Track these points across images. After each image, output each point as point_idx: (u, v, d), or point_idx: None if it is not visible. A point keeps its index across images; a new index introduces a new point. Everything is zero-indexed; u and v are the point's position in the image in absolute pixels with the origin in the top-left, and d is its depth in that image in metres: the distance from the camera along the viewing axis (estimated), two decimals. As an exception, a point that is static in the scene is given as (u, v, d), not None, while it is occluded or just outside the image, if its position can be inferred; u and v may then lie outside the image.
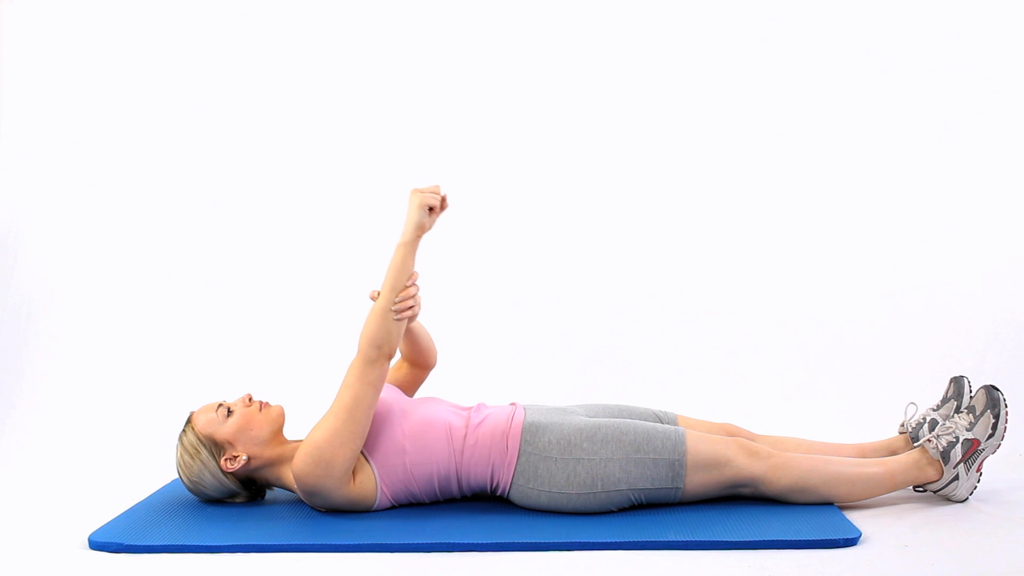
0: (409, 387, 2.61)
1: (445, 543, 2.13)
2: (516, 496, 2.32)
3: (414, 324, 2.50)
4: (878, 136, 3.51)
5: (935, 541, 2.10)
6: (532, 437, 2.31)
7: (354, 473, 2.29)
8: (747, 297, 3.47)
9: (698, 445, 2.29)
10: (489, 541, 2.13)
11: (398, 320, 2.26)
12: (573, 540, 2.12)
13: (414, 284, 2.31)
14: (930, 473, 2.34)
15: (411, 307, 2.29)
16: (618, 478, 2.26)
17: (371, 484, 2.30)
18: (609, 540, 2.11)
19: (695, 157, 3.57)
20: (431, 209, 2.29)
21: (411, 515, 2.30)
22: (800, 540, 2.09)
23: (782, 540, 2.09)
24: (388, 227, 3.58)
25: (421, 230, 2.29)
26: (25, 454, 3.07)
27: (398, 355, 2.60)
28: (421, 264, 3.53)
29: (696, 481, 2.28)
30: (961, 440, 2.33)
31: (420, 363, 2.58)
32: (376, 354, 2.24)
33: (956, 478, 2.33)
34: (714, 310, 3.47)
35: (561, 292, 3.52)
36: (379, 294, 2.28)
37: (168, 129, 3.64)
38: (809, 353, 3.36)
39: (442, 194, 2.31)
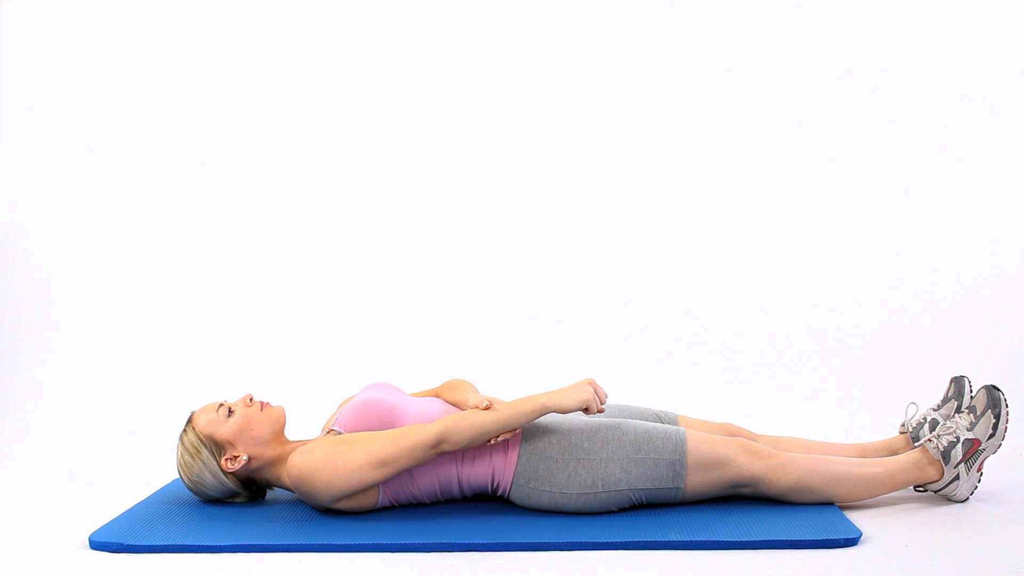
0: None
1: (445, 543, 2.13)
2: (516, 496, 2.32)
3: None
4: (879, 136, 3.51)
5: (935, 541, 2.10)
6: (532, 437, 2.31)
7: None
8: (747, 297, 3.47)
9: (699, 445, 2.29)
10: (489, 541, 2.13)
11: (486, 443, 2.27)
12: (573, 540, 2.12)
13: (520, 434, 2.31)
14: (931, 473, 2.34)
15: (501, 440, 2.30)
16: (619, 478, 2.26)
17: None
18: (609, 540, 2.11)
19: (696, 158, 3.57)
20: (586, 410, 2.27)
21: (411, 515, 2.30)
22: (800, 540, 2.09)
23: (782, 540, 2.09)
24: (387, 227, 3.61)
25: (562, 412, 2.27)
26: (25, 454, 3.07)
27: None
28: (430, 265, 3.55)
29: (697, 481, 2.28)
30: (962, 440, 2.33)
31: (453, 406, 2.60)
32: (438, 444, 2.23)
33: (957, 478, 2.33)
34: (714, 310, 3.47)
35: (561, 292, 3.52)
36: (490, 409, 2.25)
37: (168, 130, 3.63)
38: (809, 353, 3.36)
39: (603, 407, 2.30)
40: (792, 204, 3.52)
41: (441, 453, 2.25)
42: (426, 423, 2.26)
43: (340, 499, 2.26)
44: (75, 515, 2.42)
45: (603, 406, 2.31)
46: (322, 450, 2.24)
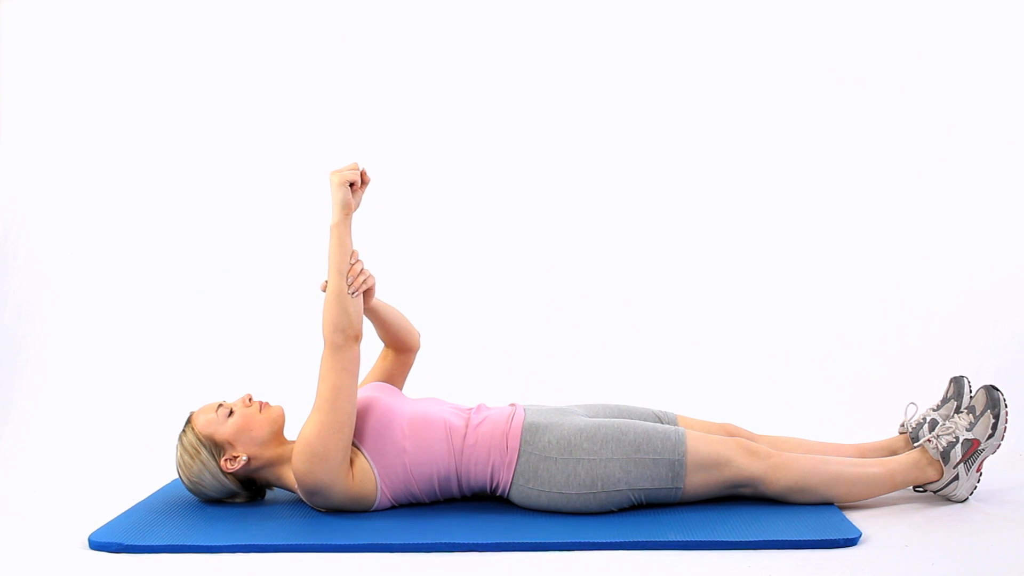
0: (398, 373, 2.61)
1: (445, 543, 2.13)
2: (516, 496, 2.32)
3: (383, 308, 2.51)
4: (878, 138, 3.51)
5: (935, 541, 2.10)
6: (532, 437, 2.31)
7: (353, 470, 2.28)
8: (747, 297, 3.47)
9: (698, 445, 2.29)
10: (489, 541, 2.13)
11: (355, 297, 2.26)
12: (573, 540, 2.12)
13: (358, 260, 2.31)
14: (930, 473, 2.34)
15: (364, 281, 2.30)
16: (618, 478, 2.26)
17: (371, 483, 2.30)
18: (609, 540, 2.11)
19: (696, 157, 3.57)
20: (352, 185, 2.29)
21: (411, 515, 2.30)
22: (800, 540, 2.09)
23: (782, 540, 2.09)
24: (385, 226, 3.61)
25: (348, 208, 2.29)
26: (25, 454, 3.07)
27: (380, 343, 2.61)
28: (427, 265, 3.55)
29: (696, 481, 2.28)
30: (961, 440, 2.33)
31: (402, 346, 2.60)
32: (342, 339, 2.24)
33: (956, 478, 2.33)
34: (714, 310, 3.47)
35: (561, 292, 3.52)
36: (327, 282, 2.28)
37: (166, 130, 3.64)
38: (809, 353, 3.36)
39: (360, 169, 2.32)
40: (792, 205, 3.52)
41: (357, 341, 2.25)
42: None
43: (340, 469, 2.24)
44: (75, 515, 2.42)
45: (360, 169, 2.30)
46: (297, 442, 2.26)
